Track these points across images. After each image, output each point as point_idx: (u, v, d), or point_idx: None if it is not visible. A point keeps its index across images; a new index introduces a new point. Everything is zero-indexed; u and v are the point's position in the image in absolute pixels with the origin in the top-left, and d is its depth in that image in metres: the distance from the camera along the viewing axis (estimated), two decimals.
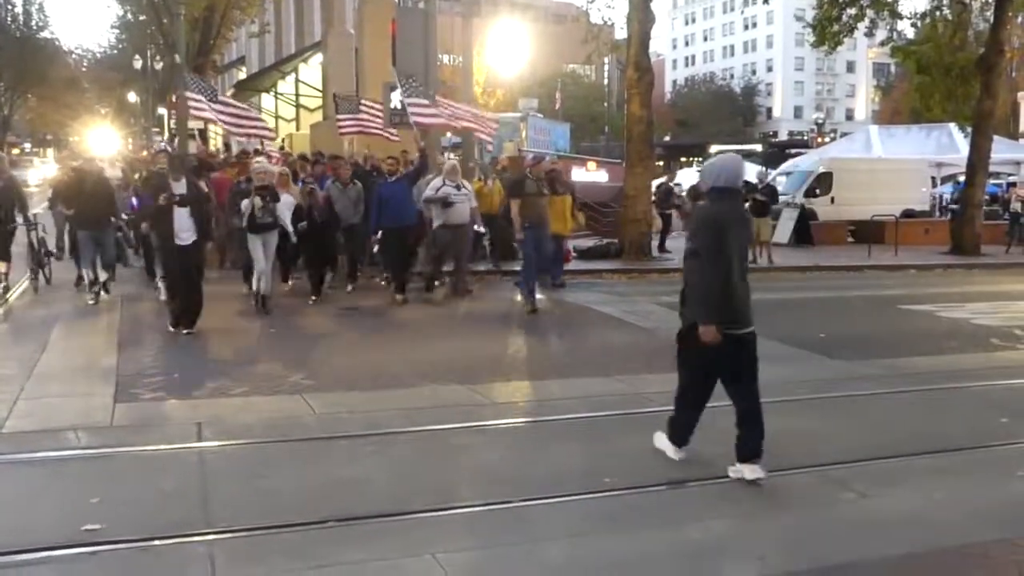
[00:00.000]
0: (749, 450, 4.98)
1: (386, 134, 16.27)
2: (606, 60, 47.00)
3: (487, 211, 13.81)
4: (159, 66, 40.20)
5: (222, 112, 14.97)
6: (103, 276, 11.44)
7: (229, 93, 33.45)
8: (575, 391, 7.29)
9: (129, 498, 4.78)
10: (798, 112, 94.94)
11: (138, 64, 44.53)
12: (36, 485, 5.05)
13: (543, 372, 8.06)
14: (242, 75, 42.57)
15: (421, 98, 13.58)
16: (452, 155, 17.09)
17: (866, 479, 5.12)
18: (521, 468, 5.34)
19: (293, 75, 32.28)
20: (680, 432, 5.32)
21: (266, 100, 34.73)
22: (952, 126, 28.18)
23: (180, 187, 9.20)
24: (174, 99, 26.99)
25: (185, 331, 9.17)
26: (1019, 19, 27.73)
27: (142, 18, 38.20)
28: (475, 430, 6.18)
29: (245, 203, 10.15)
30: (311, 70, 30.69)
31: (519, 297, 11.70)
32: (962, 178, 22.94)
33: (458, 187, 11.96)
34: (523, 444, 6.00)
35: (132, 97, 56.27)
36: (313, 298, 11.51)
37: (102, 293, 11.27)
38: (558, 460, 5.49)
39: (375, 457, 5.54)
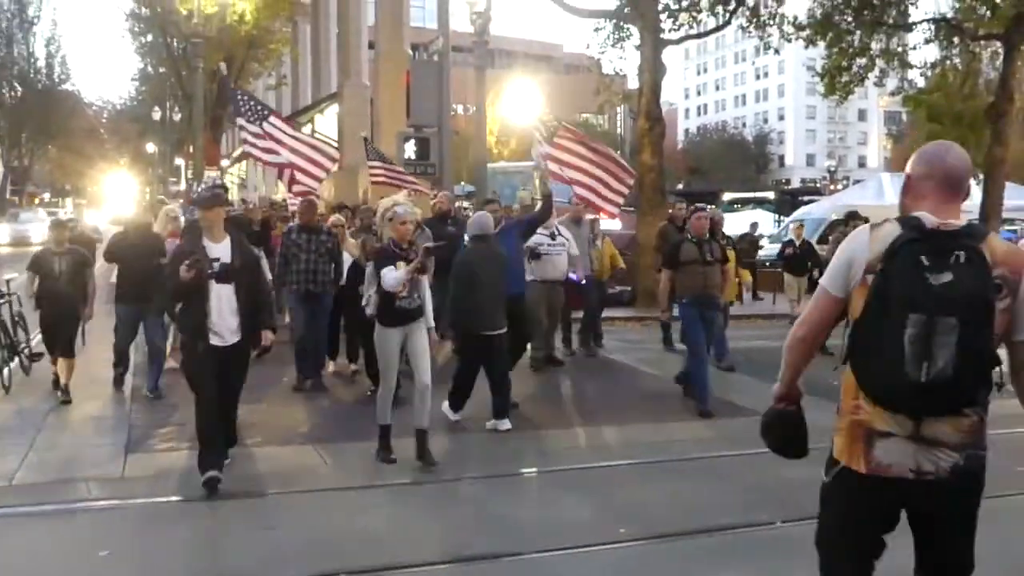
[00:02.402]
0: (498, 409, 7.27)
1: (418, 186, 14.38)
2: (619, 109, 47.40)
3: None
4: (177, 117, 40.84)
5: (277, 138, 12.79)
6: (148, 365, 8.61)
7: (242, 148, 33.92)
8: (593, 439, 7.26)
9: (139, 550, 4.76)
10: (810, 160, 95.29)
11: (156, 115, 45.30)
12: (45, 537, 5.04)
13: (550, 422, 8.02)
14: None
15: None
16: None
17: None
18: (537, 517, 5.29)
19: (309, 126, 32.74)
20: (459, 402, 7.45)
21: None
22: None
23: (221, 250, 5.87)
24: (191, 149, 27.35)
25: (208, 474, 5.59)
26: None
27: (162, 70, 38.98)
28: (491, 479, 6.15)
29: (394, 276, 6.08)
30: (327, 120, 31.13)
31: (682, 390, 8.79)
32: None
33: (552, 235, 9.98)
34: (536, 494, 5.95)
35: (150, 148, 57.12)
36: (373, 388, 7.98)
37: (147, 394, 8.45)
38: (569, 511, 5.45)
39: (386, 508, 5.51)
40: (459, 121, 29.18)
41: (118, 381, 8.81)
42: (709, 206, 10.17)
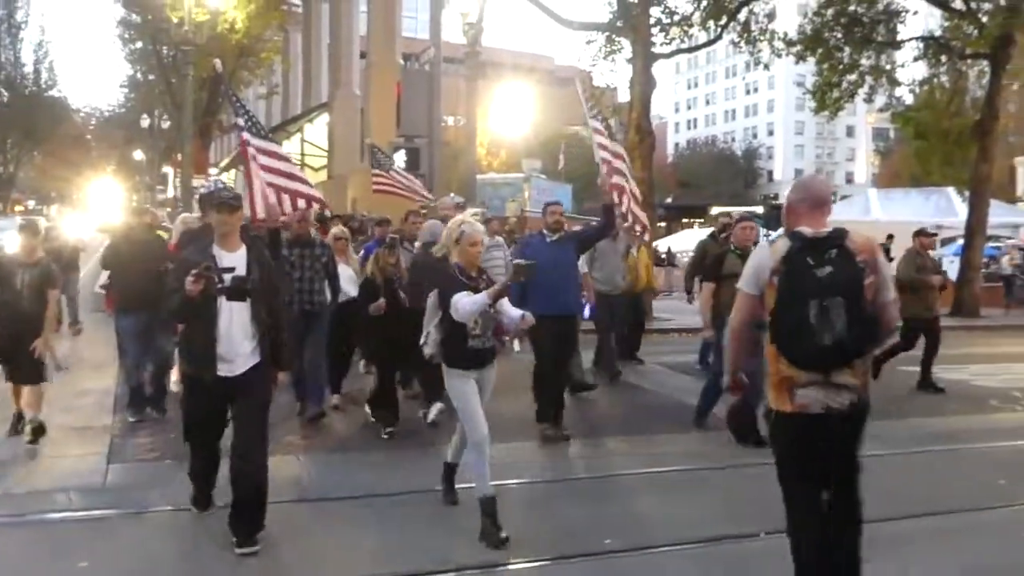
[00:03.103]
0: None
1: (422, 195, 13.81)
2: (611, 121, 47.67)
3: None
4: (166, 125, 40.76)
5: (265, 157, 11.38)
6: (147, 388, 7.91)
7: (234, 153, 33.88)
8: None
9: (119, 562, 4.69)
10: (799, 175, 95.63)
11: (145, 123, 45.19)
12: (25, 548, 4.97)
13: (535, 433, 7.96)
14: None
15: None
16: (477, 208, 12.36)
17: (865, 542, 5.02)
18: (521, 528, 5.24)
19: (299, 135, 32.71)
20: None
21: None
22: (951, 190, 28.42)
23: (235, 260, 4.96)
24: (179, 157, 27.26)
25: (241, 549, 4.77)
26: (1014, 86, 28.14)
27: (151, 78, 38.88)
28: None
29: (471, 302, 5.05)
30: (316, 130, 31.15)
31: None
32: (961, 241, 23.05)
33: None
34: (519, 505, 5.90)
35: (138, 155, 56.92)
36: (389, 430, 7.44)
37: (150, 411, 7.81)
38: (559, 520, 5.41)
39: (374, 520, 5.45)
40: (449, 132, 29.17)
41: (137, 407, 7.77)
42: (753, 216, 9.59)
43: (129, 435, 7.33)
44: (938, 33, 22.71)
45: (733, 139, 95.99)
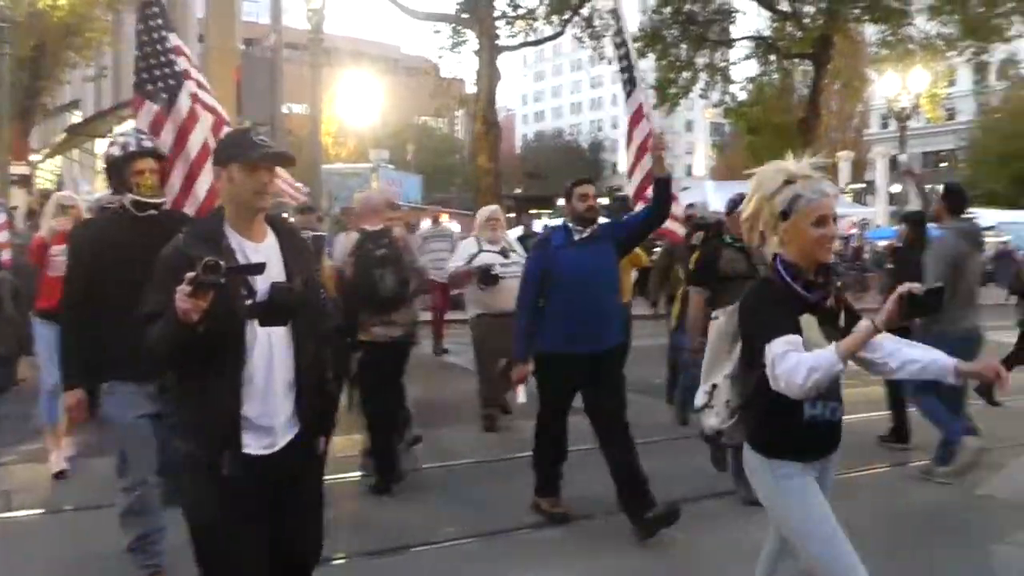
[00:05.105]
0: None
1: (293, 190, 11.95)
2: (458, 113, 47.67)
3: None
4: None
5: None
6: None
7: (60, 138, 31.95)
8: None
9: None
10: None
11: None
12: None
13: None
14: (76, 119, 40.66)
15: None
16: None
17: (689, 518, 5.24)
18: (355, 520, 5.17)
19: (132, 120, 31.10)
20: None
21: (100, 145, 33.24)
22: None
23: (265, 252, 2.81)
24: None
25: None
26: (835, 86, 30.05)
27: None
28: None
29: (811, 364, 2.58)
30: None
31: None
32: None
33: (504, 251, 7.58)
34: (355, 498, 5.83)
35: None
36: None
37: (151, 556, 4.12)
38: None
39: None
40: (293, 120, 28.39)
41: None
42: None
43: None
44: (767, 33, 23.97)
45: (579, 132, 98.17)
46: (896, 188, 34.20)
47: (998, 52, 22.22)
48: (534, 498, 5.30)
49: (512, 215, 14.57)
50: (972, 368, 2.78)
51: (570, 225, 5.22)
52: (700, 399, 3.06)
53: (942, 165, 49.42)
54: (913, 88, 23.64)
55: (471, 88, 21.74)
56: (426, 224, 13.69)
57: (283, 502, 2.83)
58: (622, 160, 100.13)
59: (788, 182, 2.79)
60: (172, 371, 2.84)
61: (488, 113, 17.69)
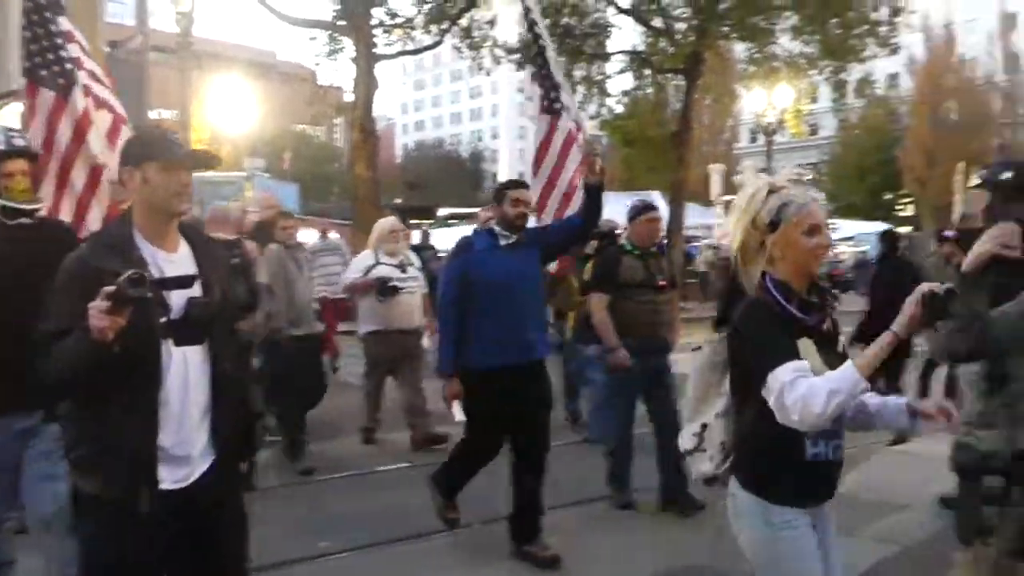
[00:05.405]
0: None
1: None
2: (337, 121, 47.00)
3: None
4: None
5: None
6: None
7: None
8: None
9: None
10: (522, 177, 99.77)
11: None
12: None
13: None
14: None
15: None
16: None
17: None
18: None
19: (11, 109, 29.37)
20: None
21: None
22: (657, 194, 30.84)
23: (180, 263, 2.59)
24: None
25: None
26: (707, 101, 31.08)
27: None
28: None
29: (826, 391, 2.32)
30: (8, 119, 28.06)
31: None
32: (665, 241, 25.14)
33: (402, 266, 7.38)
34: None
35: None
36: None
37: None
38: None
39: None
40: (162, 125, 27.45)
41: None
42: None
43: None
44: (641, 48, 24.57)
45: (460, 142, 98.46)
46: None
47: (855, 72, 23.38)
48: (444, 502, 5.00)
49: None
50: (925, 409, 2.52)
51: (496, 229, 4.91)
52: (688, 442, 2.76)
53: (807, 179, 51.72)
54: (778, 104, 24.73)
55: (349, 96, 21.47)
56: (313, 238, 13.34)
57: (199, 531, 2.60)
58: (503, 170, 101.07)
59: (772, 191, 2.64)
60: (70, 397, 2.55)
61: (366, 121, 17.49)
